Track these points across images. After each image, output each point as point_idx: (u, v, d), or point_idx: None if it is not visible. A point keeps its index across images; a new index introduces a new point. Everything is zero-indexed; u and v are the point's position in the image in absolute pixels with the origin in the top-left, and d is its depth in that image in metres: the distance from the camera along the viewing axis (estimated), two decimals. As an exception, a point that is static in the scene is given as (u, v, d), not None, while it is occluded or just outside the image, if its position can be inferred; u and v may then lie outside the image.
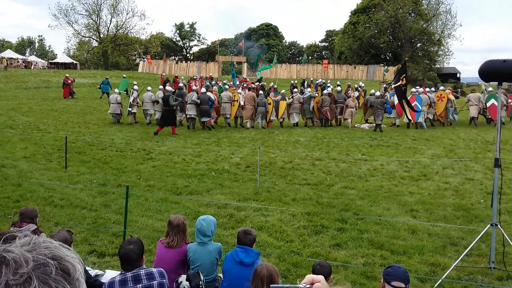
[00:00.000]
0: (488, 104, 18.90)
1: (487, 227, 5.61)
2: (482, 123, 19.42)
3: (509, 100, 20.22)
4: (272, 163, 11.61)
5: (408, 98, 17.38)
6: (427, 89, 20.45)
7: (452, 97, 19.45)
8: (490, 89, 19.86)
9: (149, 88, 19.20)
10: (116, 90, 19.26)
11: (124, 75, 29.35)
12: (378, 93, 18.74)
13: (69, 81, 28.17)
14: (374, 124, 17.75)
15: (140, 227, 6.92)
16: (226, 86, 20.11)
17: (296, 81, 34.35)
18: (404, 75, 17.04)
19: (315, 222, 7.20)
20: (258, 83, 28.70)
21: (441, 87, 21.06)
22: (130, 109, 18.56)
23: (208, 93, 17.34)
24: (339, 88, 20.71)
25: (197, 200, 8.32)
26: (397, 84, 16.94)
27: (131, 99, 18.63)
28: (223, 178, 10.05)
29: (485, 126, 18.80)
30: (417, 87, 21.74)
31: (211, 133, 16.28)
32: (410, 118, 17.91)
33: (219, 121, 18.85)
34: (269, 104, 18.11)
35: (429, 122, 18.84)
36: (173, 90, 17.22)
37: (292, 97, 18.70)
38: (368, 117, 18.64)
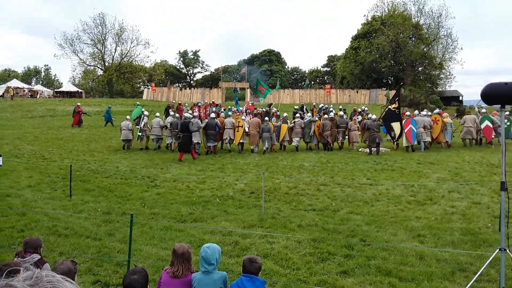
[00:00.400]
0: (483, 126, 18.84)
1: (495, 252, 5.51)
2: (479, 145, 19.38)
3: None
4: (276, 188, 11.57)
5: (403, 122, 17.51)
6: (423, 112, 20.34)
7: (448, 120, 19.41)
8: (484, 110, 19.86)
9: (157, 114, 19.62)
10: (128, 117, 19.62)
11: (138, 103, 29.71)
12: (374, 116, 18.86)
13: (80, 110, 28.51)
14: (368, 147, 17.81)
15: (144, 256, 6.85)
16: (230, 113, 20.33)
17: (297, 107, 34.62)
18: (397, 98, 17.25)
19: (321, 249, 7.10)
20: (268, 108, 28.88)
21: (436, 110, 20.97)
22: (140, 134, 18.86)
23: (216, 120, 17.70)
24: (341, 113, 20.81)
25: (202, 227, 8.26)
26: (391, 107, 17.17)
27: (142, 124, 18.95)
28: (228, 205, 10.01)
29: (489, 148, 18.72)
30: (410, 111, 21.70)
31: (215, 159, 16.30)
32: (392, 139, 17.99)
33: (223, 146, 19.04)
34: (271, 129, 18.31)
35: (424, 144, 18.73)
36: (192, 116, 17.50)
37: (294, 122, 18.95)
38: (365, 139, 18.69)
